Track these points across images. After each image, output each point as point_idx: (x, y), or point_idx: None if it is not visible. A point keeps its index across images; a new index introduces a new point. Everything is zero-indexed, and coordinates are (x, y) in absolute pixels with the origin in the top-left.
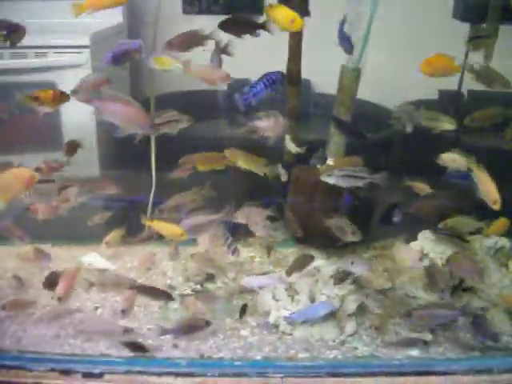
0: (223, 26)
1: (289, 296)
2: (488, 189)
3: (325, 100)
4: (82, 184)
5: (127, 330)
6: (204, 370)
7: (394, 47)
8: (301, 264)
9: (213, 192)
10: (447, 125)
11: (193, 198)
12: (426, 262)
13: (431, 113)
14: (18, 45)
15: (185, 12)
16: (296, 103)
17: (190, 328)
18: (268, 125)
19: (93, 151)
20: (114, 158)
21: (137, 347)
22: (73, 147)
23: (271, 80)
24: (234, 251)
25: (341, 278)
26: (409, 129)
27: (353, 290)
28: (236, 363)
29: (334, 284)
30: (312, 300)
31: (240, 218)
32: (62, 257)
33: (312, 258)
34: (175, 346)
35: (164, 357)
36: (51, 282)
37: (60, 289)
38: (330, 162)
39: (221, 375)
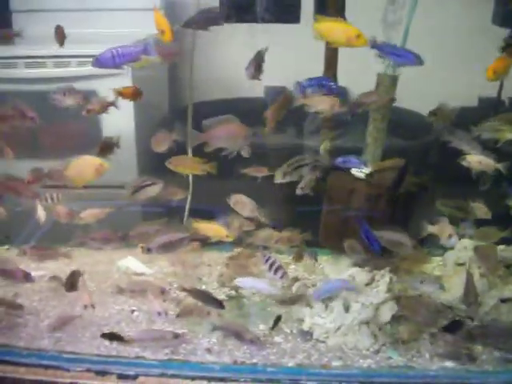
0: (186, 24)
1: (323, 303)
2: None
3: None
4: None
5: (177, 336)
6: (237, 375)
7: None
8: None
9: (180, 225)
10: (509, 134)
11: (158, 227)
12: (456, 240)
13: (492, 123)
14: (62, 54)
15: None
16: None
17: (236, 333)
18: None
19: (132, 154)
20: (153, 162)
21: (114, 337)
22: (108, 147)
23: (321, 82)
24: (283, 276)
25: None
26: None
27: (388, 298)
28: (269, 369)
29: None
30: (346, 308)
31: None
32: (102, 260)
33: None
34: (209, 351)
35: (198, 361)
36: (71, 284)
37: (85, 298)
38: (366, 170)
39: (254, 381)
